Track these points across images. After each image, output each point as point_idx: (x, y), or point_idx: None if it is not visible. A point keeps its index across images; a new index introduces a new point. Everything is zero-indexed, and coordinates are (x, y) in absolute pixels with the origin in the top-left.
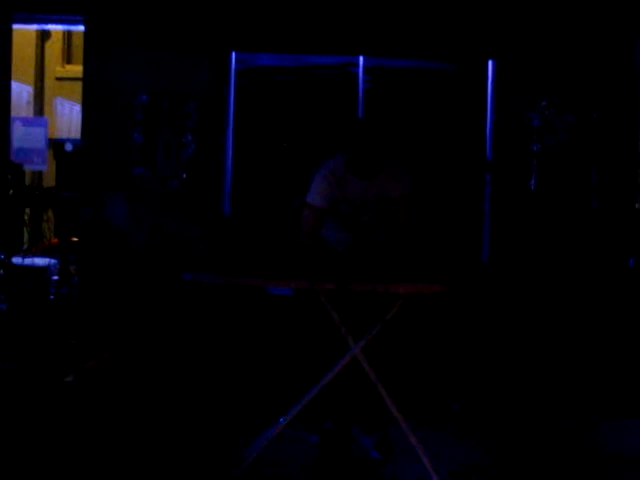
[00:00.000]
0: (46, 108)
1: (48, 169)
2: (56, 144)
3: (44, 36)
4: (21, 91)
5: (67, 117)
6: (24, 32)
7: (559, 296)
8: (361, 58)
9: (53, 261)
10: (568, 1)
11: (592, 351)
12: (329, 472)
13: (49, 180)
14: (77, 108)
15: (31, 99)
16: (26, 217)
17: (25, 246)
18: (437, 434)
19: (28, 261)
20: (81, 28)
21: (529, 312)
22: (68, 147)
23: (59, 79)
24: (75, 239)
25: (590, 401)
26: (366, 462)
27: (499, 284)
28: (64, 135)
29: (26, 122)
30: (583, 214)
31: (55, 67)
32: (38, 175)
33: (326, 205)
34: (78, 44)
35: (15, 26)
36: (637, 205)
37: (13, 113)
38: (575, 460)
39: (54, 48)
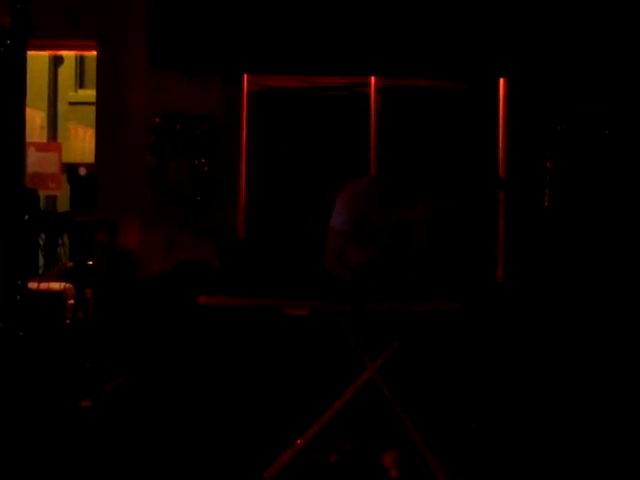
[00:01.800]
0: (59, 133)
1: (62, 193)
2: (70, 168)
3: (57, 61)
4: (34, 116)
5: (80, 141)
6: (37, 57)
7: (575, 312)
8: (372, 78)
9: (68, 285)
10: (577, 19)
11: (610, 368)
12: None
13: (63, 204)
14: (90, 132)
15: (44, 124)
16: (41, 242)
17: (40, 271)
18: (455, 452)
19: (44, 286)
20: (93, 53)
21: (545, 329)
22: (82, 171)
23: (72, 104)
24: (90, 263)
25: (606, 419)
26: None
27: (514, 302)
28: (78, 159)
29: (40, 147)
30: (598, 229)
31: (68, 92)
32: (52, 200)
33: (349, 229)
34: (91, 69)
35: (29, 52)
36: None
37: (27, 138)
38: None
39: (67, 73)
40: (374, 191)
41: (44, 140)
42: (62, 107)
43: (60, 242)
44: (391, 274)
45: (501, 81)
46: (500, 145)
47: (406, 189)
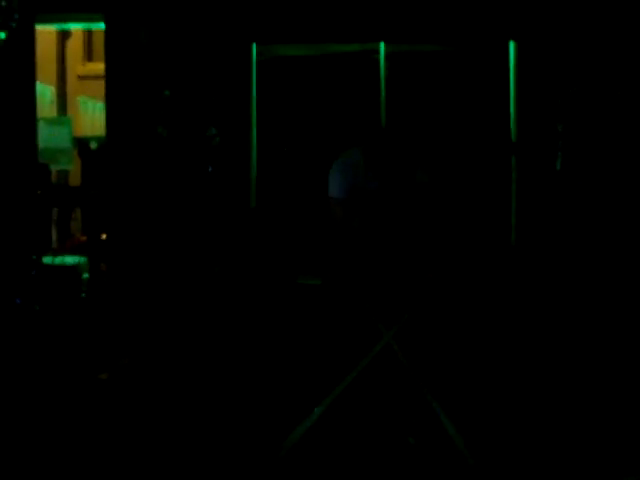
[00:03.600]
0: (69, 107)
1: (74, 168)
2: (81, 143)
3: (64, 35)
4: (44, 91)
5: (90, 115)
6: (44, 32)
7: (589, 279)
8: (382, 44)
9: (83, 259)
10: None
11: (622, 337)
12: (368, 459)
13: (75, 179)
14: (100, 106)
15: (54, 99)
16: (54, 216)
17: (54, 245)
18: (471, 420)
19: (58, 260)
20: (101, 26)
21: (558, 295)
22: (93, 145)
23: (81, 77)
24: (104, 236)
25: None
26: (402, 447)
27: (528, 266)
28: (88, 133)
29: (50, 122)
30: (609, 193)
31: (77, 66)
32: (64, 174)
33: (346, 195)
34: (99, 42)
35: (37, 27)
36: None
37: (37, 113)
38: None
39: (75, 47)
40: (366, 159)
41: (54, 115)
42: (71, 81)
43: (73, 216)
44: (400, 238)
45: (511, 44)
46: (511, 109)
47: (398, 165)
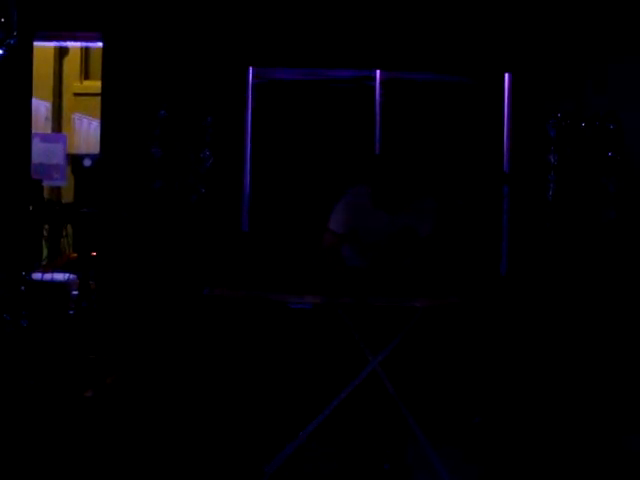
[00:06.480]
0: (64, 124)
1: (67, 184)
2: (75, 159)
3: (62, 52)
4: (39, 107)
5: (85, 132)
6: (42, 49)
7: (578, 307)
8: (378, 72)
9: (72, 276)
10: (583, 16)
11: (612, 363)
12: None
13: (68, 195)
14: (95, 124)
15: (49, 115)
16: (45, 232)
17: (44, 261)
18: (457, 449)
19: (47, 276)
20: (99, 44)
21: (547, 324)
22: (87, 162)
23: (77, 95)
24: (94, 254)
25: (612, 415)
26: (379, 473)
27: (517, 296)
28: (82, 150)
29: (45, 138)
30: (601, 225)
31: (73, 83)
32: (57, 190)
33: (346, 232)
34: (96, 60)
35: (35, 44)
36: None
37: (32, 129)
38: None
39: (72, 64)
40: (375, 202)
41: (49, 131)
42: (67, 98)
43: (64, 233)
44: (391, 266)
45: (506, 76)
46: (505, 139)
47: (406, 197)
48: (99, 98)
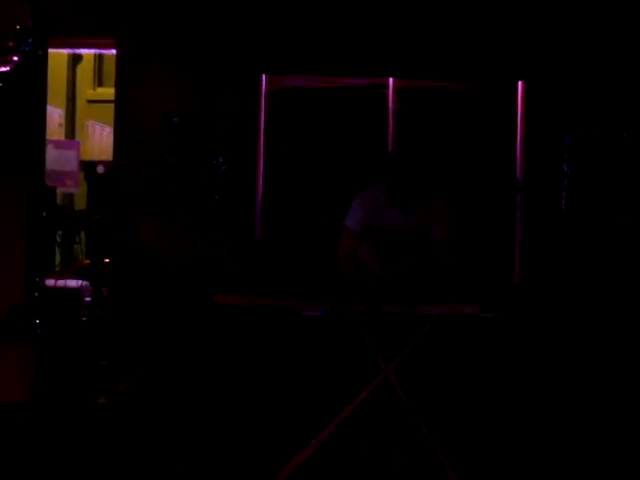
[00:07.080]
0: (77, 130)
1: (79, 191)
2: (87, 166)
3: (75, 59)
4: (53, 114)
5: (98, 139)
6: (56, 55)
7: (591, 315)
8: (391, 80)
9: (85, 283)
10: (596, 24)
11: (627, 370)
12: None
13: (81, 202)
14: (108, 130)
15: (63, 122)
16: (58, 239)
17: (57, 268)
18: (469, 457)
19: (61, 283)
20: (113, 51)
21: (561, 331)
22: (100, 169)
23: (90, 101)
24: (107, 260)
25: (631, 422)
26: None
27: (530, 303)
28: (95, 157)
29: (58, 145)
30: (614, 232)
31: (86, 90)
32: (70, 197)
33: (362, 230)
34: (109, 67)
35: (49, 50)
36: None
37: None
38: None
39: (85, 71)
40: (388, 197)
41: (62, 138)
42: (80, 105)
43: (77, 239)
44: (406, 273)
45: (519, 84)
46: (518, 147)
47: (419, 194)
48: (112, 105)
